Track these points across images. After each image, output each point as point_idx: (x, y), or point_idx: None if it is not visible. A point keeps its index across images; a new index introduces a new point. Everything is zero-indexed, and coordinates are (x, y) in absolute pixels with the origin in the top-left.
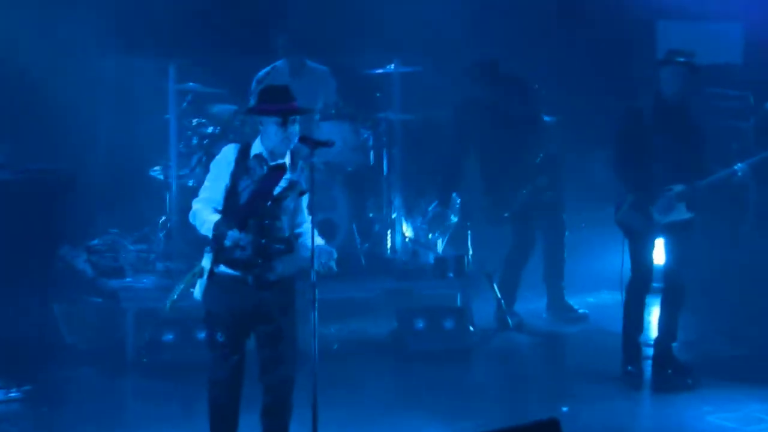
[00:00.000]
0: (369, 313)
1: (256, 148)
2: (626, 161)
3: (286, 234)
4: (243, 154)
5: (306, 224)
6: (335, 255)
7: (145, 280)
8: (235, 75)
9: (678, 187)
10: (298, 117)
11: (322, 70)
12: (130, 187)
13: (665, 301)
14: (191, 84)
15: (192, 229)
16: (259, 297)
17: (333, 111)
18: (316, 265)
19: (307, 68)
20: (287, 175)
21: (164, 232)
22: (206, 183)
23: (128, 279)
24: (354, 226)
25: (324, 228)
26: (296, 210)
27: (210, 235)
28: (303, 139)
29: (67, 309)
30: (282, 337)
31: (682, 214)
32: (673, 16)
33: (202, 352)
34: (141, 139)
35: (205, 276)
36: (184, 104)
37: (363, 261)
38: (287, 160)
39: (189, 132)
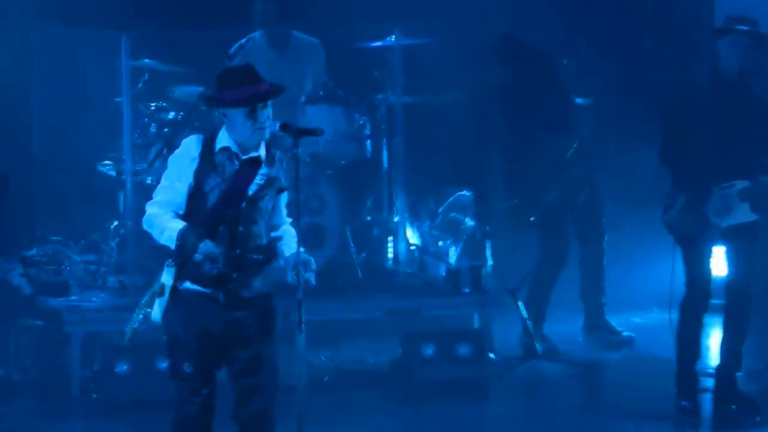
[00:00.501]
0: (367, 338)
1: (223, 139)
2: (677, 152)
3: (264, 241)
4: (208, 147)
5: (284, 227)
6: (314, 266)
7: (94, 299)
8: (201, 49)
9: (740, 184)
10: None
11: (312, 42)
12: (74, 186)
13: (727, 322)
14: (148, 60)
15: (149, 236)
16: (232, 318)
17: (321, 92)
18: (290, 278)
19: (292, 40)
20: (263, 170)
21: (117, 240)
22: (164, 182)
23: (74, 297)
24: (348, 231)
25: (311, 234)
26: (273, 211)
27: (173, 245)
28: (285, 127)
29: None
30: (261, 365)
31: (745, 215)
32: None
33: (164, 385)
34: (87, 127)
35: (167, 294)
36: (140, 85)
37: (359, 274)
38: (261, 151)
39: (146, 119)
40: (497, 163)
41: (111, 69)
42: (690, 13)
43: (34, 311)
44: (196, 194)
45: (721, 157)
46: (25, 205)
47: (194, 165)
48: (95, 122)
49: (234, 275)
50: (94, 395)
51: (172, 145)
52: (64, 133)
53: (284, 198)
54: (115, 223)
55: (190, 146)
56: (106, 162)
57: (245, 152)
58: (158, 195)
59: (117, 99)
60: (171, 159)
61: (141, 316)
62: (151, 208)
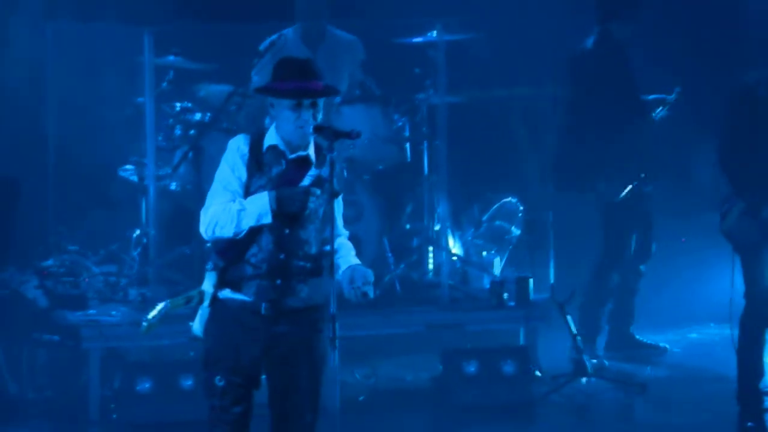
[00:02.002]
0: (405, 355)
1: (271, 138)
2: (736, 154)
3: (314, 249)
4: (256, 146)
5: (340, 239)
6: (371, 278)
7: (114, 313)
8: (230, 45)
9: None
10: (320, 100)
11: (349, 40)
12: (93, 192)
13: None
14: (172, 57)
15: (177, 242)
16: (273, 333)
17: (358, 92)
18: (347, 292)
19: (328, 36)
20: (312, 171)
21: (139, 250)
22: (217, 182)
23: (92, 311)
24: (385, 241)
25: None
26: (326, 218)
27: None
28: (319, 129)
29: (12, 350)
30: (300, 388)
31: None
32: None
33: (189, 405)
34: (107, 129)
35: (207, 303)
36: (164, 84)
37: (398, 287)
38: (311, 151)
39: (170, 120)
40: (546, 167)
41: (132, 67)
42: (751, 10)
43: (50, 326)
44: (244, 194)
45: None
46: (39, 212)
47: (245, 159)
48: (115, 124)
49: (277, 282)
50: (114, 416)
51: (198, 149)
52: (82, 136)
53: (339, 206)
54: (137, 231)
55: (238, 143)
56: (127, 166)
57: (293, 151)
58: (214, 197)
59: (139, 99)
60: (223, 159)
61: (161, 309)
62: (210, 208)
